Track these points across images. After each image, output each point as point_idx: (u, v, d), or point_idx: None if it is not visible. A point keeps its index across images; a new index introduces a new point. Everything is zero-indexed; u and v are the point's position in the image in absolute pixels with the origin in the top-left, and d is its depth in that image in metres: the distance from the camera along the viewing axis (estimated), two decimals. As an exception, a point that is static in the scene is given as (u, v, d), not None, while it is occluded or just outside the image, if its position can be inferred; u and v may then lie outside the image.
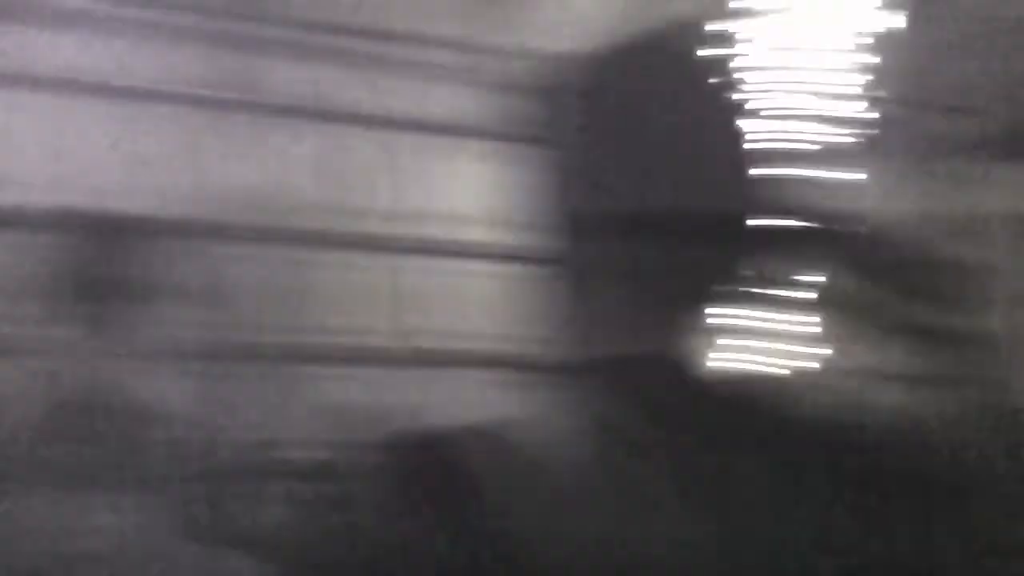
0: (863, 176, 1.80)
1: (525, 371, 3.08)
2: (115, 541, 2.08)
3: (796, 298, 1.47)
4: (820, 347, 1.61)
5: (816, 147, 2.34)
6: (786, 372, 1.42)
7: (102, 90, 3.16)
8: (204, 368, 1.67)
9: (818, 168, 2.42)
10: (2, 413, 1.99)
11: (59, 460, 1.91)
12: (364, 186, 3.64)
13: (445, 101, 3.70)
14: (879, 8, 2.32)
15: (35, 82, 2.92)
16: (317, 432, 2.44)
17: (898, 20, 2.39)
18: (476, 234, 3.77)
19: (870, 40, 2.63)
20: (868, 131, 2.10)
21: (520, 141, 3.93)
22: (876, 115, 1.98)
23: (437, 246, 3.71)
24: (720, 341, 1.67)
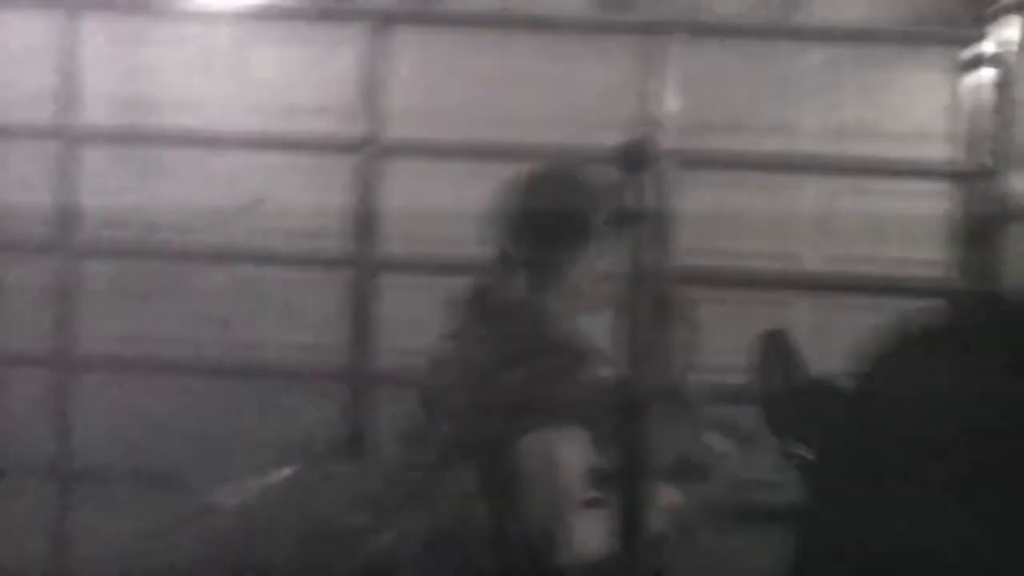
0: None
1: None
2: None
3: None
4: None
5: None
6: None
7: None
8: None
9: None
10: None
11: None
12: (791, 102, 3.60)
13: (868, 6, 3.59)
14: None
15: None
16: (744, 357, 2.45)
17: None
18: (905, 151, 3.63)
19: None
20: None
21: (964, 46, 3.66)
22: None
23: (869, 165, 3.55)
24: None
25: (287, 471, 2.65)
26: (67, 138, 3.72)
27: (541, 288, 1.94)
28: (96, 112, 3.74)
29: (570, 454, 1.78)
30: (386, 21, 3.72)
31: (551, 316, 1.93)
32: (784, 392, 2.58)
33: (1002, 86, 3.60)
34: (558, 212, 1.93)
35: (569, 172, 2.01)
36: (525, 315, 1.92)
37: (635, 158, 1.46)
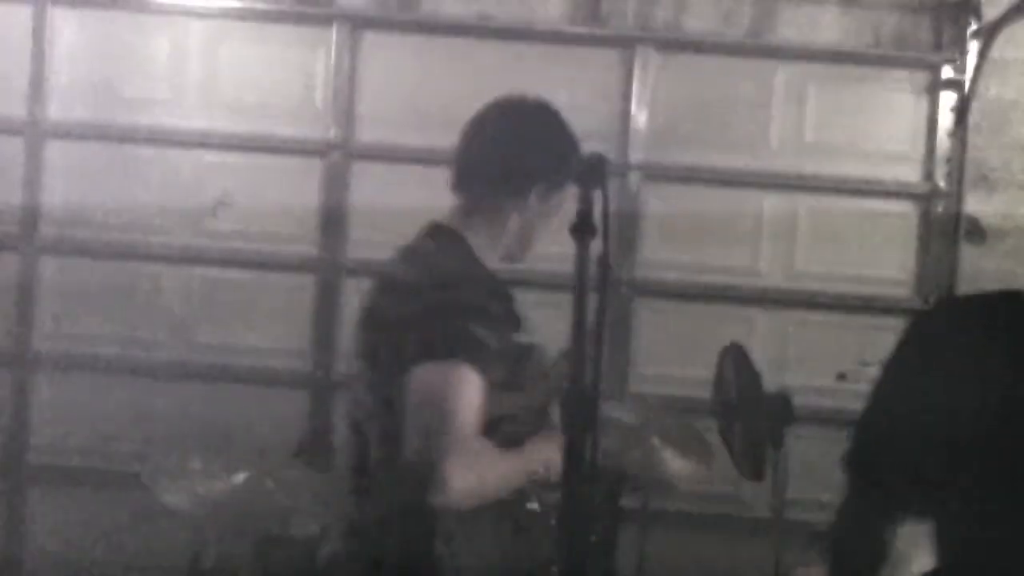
0: None
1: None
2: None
3: None
4: None
5: None
6: None
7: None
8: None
9: None
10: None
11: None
12: (752, 120, 3.64)
13: (836, 26, 3.73)
14: None
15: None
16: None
17: None
18: (869, 171, 3.76)
19: None
20: None
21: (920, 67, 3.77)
22: None
23: (833, 183, 3.70)
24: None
25: (243, 475, 2.64)
26: (32, 133, 3.69)
27: (481, 228, 1.92)
28: (62, 107, 3.72)
29: (460, 391, 1.68)
30: (358, 25, 3.72)
31: (485, 256, 1.90)
32: (739, 406, 2.61)
33: (960, 110, 3.67)
34: (508, 151, 1.90)
35: (524, 113, 1.97)
36: (457, 249, 1.88)
37: (590, 173, 1.48)
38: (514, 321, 1.83)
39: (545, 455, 1.82)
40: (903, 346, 1.47)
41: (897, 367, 1.47)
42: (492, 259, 1.92)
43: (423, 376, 1.69)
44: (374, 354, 1.81)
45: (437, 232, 1.93)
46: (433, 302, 1.74)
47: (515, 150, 1.89)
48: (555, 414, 1.90)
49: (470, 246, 1.90)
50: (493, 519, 1.77)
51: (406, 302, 1.78)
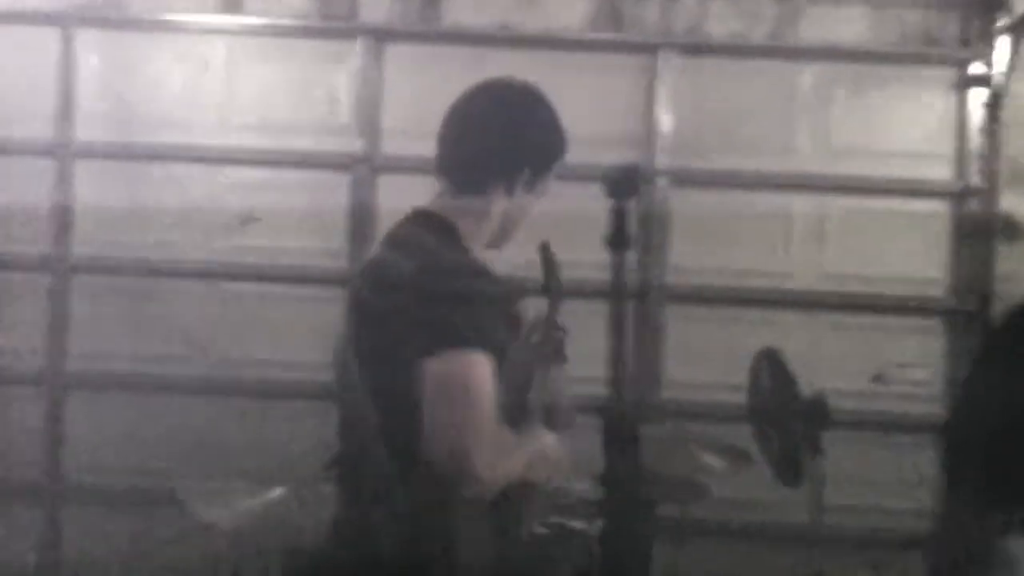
0: None
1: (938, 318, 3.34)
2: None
3: None
4: None
5: None
6: None
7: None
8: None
9: None
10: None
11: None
12: (778, 122, 3.61)
13: (861, 26, 3.69)
14: None
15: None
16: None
17: None
18: (899, 170, 3.69)
19: None
20: None
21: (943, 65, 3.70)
22: None
23: (862, 183, 3.64)
24: None
25: (277, 490, 2.64)
26: (60, 155, 3.72)
27: (468, 215, 1.86)
28: (89, 128, 3.75)
29: (480, 379, 1.62)
30: (381, 38, 3.73)
31: (471, 244, 1.84)
32: (775, 411, 2.58)
33: (991, 106, 3.62)
34: (494, 136, 1.83)
35: (509, 99, 1.91)
36: (449, 237, 1.82)
37: (623, 184, 1.46)
38: (504, 291, 1.79)
39: (554, 448, 1.80)
40: (982, 352, 1.46)
41: (975, 373, 1.44)
42: (478, 247, 1.85)
43: (442, 366, 1.62)
44: (374, 345, 1.73)
45: (426, 220, 1.86)
46: (441, 292, 1.67)
47: (502, 135, 1.84)
48: (534, 402, 1.87)
49: (459, 234, 1.83)
50: (531, 527, 1.74)
51: (408, 292, 1.70)
